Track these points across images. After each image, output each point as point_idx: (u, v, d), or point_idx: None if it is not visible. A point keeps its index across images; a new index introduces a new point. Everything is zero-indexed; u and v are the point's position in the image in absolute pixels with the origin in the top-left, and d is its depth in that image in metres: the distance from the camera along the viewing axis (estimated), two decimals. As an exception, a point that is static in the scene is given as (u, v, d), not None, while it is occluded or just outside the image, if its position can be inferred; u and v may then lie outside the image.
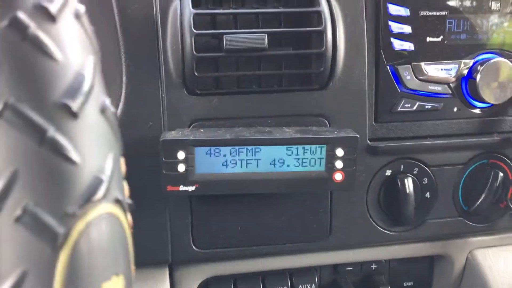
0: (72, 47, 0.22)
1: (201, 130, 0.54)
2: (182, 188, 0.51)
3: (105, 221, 0.22)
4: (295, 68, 0.55)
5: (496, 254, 0.69)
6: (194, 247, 0.58)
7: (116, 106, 0.53)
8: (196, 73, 0.53)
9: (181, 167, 0.51)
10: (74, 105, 0.21)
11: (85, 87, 0.22)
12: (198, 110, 0.54)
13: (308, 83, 0.56)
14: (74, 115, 0.21)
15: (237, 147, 0.52)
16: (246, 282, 0.64)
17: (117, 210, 0.23)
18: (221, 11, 0.54)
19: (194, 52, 0.52)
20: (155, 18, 0.53)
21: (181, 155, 0.50)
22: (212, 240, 0.58)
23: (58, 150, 0.21)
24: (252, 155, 0.52)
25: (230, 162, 0.52)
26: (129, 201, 0.25)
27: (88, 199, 0.21)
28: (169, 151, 0.50)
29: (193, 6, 0.53)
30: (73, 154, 0.21)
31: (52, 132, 0.21)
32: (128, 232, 0.24)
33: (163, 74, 0.54)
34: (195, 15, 0.52)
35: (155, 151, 0.52)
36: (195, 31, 0.52)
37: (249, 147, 0.52)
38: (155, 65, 0.54)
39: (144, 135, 0.53)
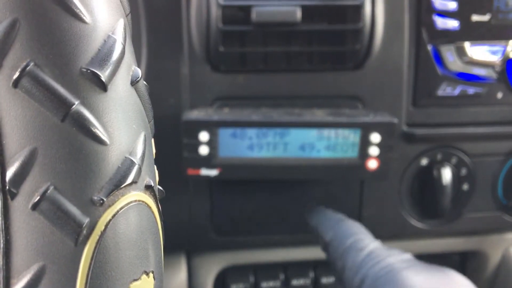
0: (101, 6, 0.18)
1: (226, 110, 0.50)
2: (203, 171, 0.48)
3: (135, 210, 0.19)
4: (328, 45, 0.51)
5: (535, 252, 0.65)
6: (213, 233, 0.55)
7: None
8: (222, 48, 0.49)
9: (204, 149, 0.47)
10: (104, 74, 0.18)
11: (116, 53, 0.18)
12: (222, 88, 0.50)
13: (342, 62, 0.52)
14: (103, 86, 0.18)
15: (264, 129, 0.48)
16: (266, 273, 0.61)
17: (148, 198, 0.20)
18: None
19: (220, 25, 0.48)
20: None
21: (203, 136, 0.47)
22: (233, 227, 0.55)
23: (83, 127, 0.17)
24: (280, 138, 0.48)
25: (256, 145, 0.48)
26: (159, 187, 0.22)
27: (117, 185, 0.18)
28: (191, 132, 0.47)
29: (220, -25, 0.48)
30: (101, 132, 0.18)
31: (77, 105, 0.17)
32: (160, 224, 0.21)
33: (186, 48, 0.50)
34: (222, -16, 0.48)
35: (175, 132, 0.48)
36: (222, 2, 0.47)
37: (277, 130, 0.48)
38: (178, 38, 0.50)
39: (164, 114, 0.50)
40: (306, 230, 0.56)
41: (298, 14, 0.48)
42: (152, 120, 0.22)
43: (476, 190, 0.58)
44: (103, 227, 0.17)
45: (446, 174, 0.55)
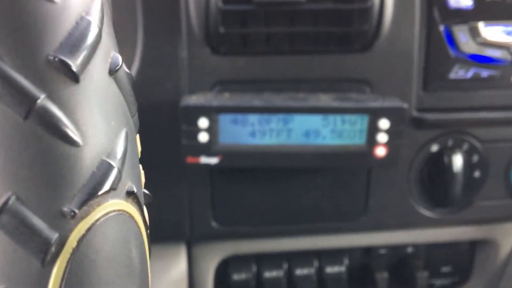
0: None
1: (226, 94, 0.47)
2: (203, 159, 0.46)
3: (115, 222, 0.16)
4: (334, 26, 0.48)
5: (547, 241, 0.63)
6: (214, 222, 0.53)
7: (129, 67, 0.47)
8: (222, 29, 0.46)
9: (203, 136, 0.45)
10: (75, 63, 0.15)
11: (90, 38, 0.15)
12: (222, 71, 0.48)
13: (349, 44, 0.49)
14: (74, 76, 0.15)
15: (266, 115, 0.45)
16: (269, 262, 0.59)
17: (130, 206, 0.17)
18: None
19: (220, 4, 0.45)
20: None
21: (203, 122, 0.44)
22: (234, 216, 0.53)
23: (51, 125, 0.15)
24: (283, 125, 0.46)
25: (258, 131, 0.46)
26: (145, 191, 0.19)
27: (92, 193, 0.15)
28: (190, 118, 0.44)
29: (220, -49, 0.46)
30: (72, 131, 0.15)
31: (43, 100, 0.15)
32: (145, 235, 0.19)
33: (185, 30, 0.47)
34: (223, -39, 0.45)
35: (174, 118, 0.46)
36: (222, -21, 0.45)
37: (280, 116, 0.46)
38: (176, 19, 0.47)
39: (162, 99, 0.47)
40: (310, 219, 0.54)
41: None
42: (136, 114, 0.19)
43: (488, 177, 0.56)
44: (75, 244, 0.15)
45: (457, 161, 0.53)
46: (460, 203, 0.55)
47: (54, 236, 0.15)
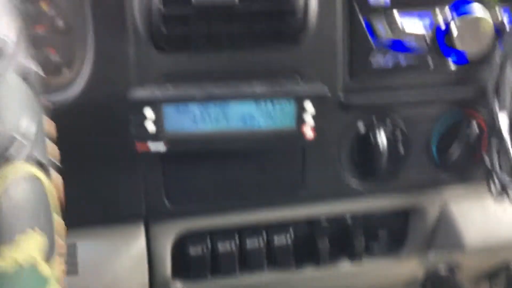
0: None
1: (170, 87, 0.53)
2: (151, 145, 0.51)
3: (24, 182, 0.22)
4: (266, 24, 0.54)
5: (470, 206, 0.70)
6: (167, 202, 0.59)
7: (82, 65, 0.52)
8: (164, 30, 0.51)
9: (150, 125, 0.51)
10: None
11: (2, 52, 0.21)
12: (167, 67, 0.54)
13: (280, 39, 0.55)
14: None
15: (205, 103, 0.51)
16: (222, 237, 0.65)
17: (37, 171, 0.23)
18: None
19: (162, 7, 0.51)
20: None
21: (149, 112, 0.50)
22: (186, 195, 0.59)
23: None
24: (221, 111, 0.52)
25: (199, 119, 0.52)
26: (55, 161, 0.25)
27: (4, 157, 0.21)
28: (137, 109, 0.50)
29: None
30: None
31: None
32: (51, 192, 0.24)
33: (131, 31, 0.52)
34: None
35: (124, 109, 0.51)
36: (161, -16, 0.50)
37: (218, 103, 0.52)
38: (122, 21, 0.52)
39: (112, 93, 0.53)
40: (255, 195, 0.61)
41: None
42: (42, 103, 0.25)
43: (412, 150, 0.63)
44: None
45: (382, 138, 0.60)
46: (386, 175, 0.62)
47: None
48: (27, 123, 0.23)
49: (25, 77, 0.23)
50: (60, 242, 0.25)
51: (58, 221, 0.26)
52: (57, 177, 0.25)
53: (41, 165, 0.23)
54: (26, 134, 0.22)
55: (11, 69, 0.22)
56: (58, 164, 0.26)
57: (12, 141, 0.22)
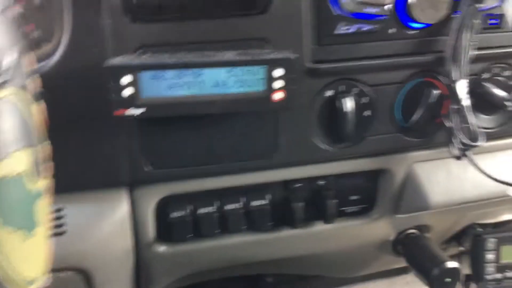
0: None
1: (146, 55, 0.56)
2: (129, 111, 0.55)
3: (7, 102, 0.26)
4: None
5: (434, 167, 0.75)
6: (149, 167, 0.62)
7: (61, 36, 0.55)
8: (135, 0, 0.55)
9: (127, 91, 0.54)
10: None
11: None
12: (142, 37, 0.57)
13: (249, 8, 0.59)
14: None
15: (180, 70, 0.55)
16: (202, 200, 0.69)
17: (21, 93, 0.27)
18: None
19: None
20: None
21: (126, 79, 0.53)
22: (166, 160, 0.63)
23: None
24: (195, 78, 0.55)
25: (175, 85, 0.55)
26: (38, 89, 0.29)
27: None
28: (115, 76, 0.53)
29: None
30: None
31: None
32: (35, 113, 0.28)
33: (106, 2, 0.55)
34: None
35: (102, 77, 0.55)
36: (133, -43, 0.53)
37: (192, 70, 0.55)
38: None
39: (91, 62, 0.56)
40: (232, 159, 0.65)
41: None
42: (21, 37, 0.28)
43: (377, 115, 0.67)
44: None
45: (348, 103, 0.64)
46: (354, 138, 0.67)
47: None
48: (11, 56, 0.26)
49: (2, 11, 0.26)
50: (48, 164, 0.29)
51: (45, 143, 0.29)
52: (40, 102, 0.29)
53: (23, 88, 0.27)
54: (9, 62, 0.26)
55: None
56: (41, 93, 0.30)
57: (3, 73, 0.25)
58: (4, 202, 0.25)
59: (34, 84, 0.29)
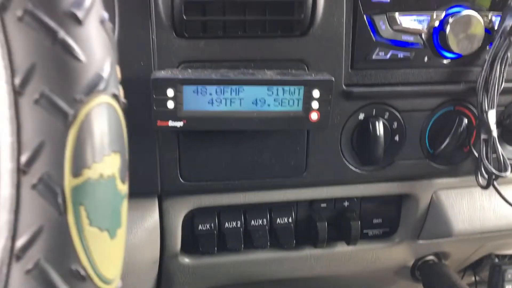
0: None
1: (189, 70, 0.58)
2: (171, 123, 0.56)
3: (105, 108, 0.27)
4: (278, 15, 0.59)
5: (458, 195, 0.76)
6: (181, 179, 0.63)
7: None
8: (184, 17, 0.56)
9: (170, 104, 0.55)
10: (80, 14, 0.26)
11: (88, 1, 0.27)
12: (186, 52, 0.58)
13: (290, 30, 0.60)
14: (79, 21, 0.26)
15: (222, 86, 0.56)
16: (228, 214, 0.70)
17: (114, 102, 0.28)
18: None
19: None
20: None
21: (170, 92, 0.55)
22: (198, 173, 0.64)
23: (67, 49, 0.26)
24: (235, 94, 0.57)
25: (216, 100, 0.57)
26: (124, 100, 0.30)
27: (91, 89, 0.26)
28: (159, 89, 0.55)
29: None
30: (79, 53, 0.26)
31: (62, 34, 0.26)
32: (123, 121, 0.29)
33: (153, 17, 0.57)
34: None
35: (146, 90, 0.56)
36: (184, -25, 0.55)
37: (233, 87, 0.56)
38: (146, 9, 0.57)
39: (135, 75, 0.57)
40: (262, 175, 0.66)
41: None
42: (116, 50, 0.30)
43: (406, 140, 0.68)
44: (83, 117, 0.26)
45: (380, 127, 0.65)
46: (383, 162, 0.68)
47: (71, 111, 0.26)
48: (108, 64, 0.27)
49: (102, 23, 0.28)
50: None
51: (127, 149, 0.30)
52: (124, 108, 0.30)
53: (115, 97, 0.28)
54: (108, 72, 0.27)
55: (93, 15, 0.27)
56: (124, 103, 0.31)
57: (100, 78, 0.27)
58: (97, 203, 0.27)
59: (121, 93, 0.30)
